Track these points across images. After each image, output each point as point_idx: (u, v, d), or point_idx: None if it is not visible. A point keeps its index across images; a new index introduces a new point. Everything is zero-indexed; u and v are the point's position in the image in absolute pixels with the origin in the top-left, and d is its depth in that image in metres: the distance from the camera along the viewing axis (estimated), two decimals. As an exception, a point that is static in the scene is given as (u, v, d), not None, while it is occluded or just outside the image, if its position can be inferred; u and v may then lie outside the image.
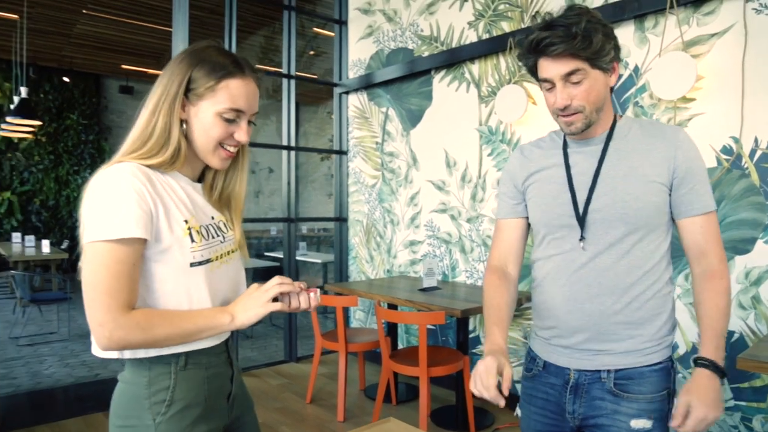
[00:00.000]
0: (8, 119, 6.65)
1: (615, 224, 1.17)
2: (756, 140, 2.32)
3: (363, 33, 4.44)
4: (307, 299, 1.06)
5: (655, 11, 2.58)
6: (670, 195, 1.19)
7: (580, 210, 1.20)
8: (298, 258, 6.10)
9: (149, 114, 1.03)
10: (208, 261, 1.05)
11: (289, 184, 4.37)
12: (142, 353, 1.01)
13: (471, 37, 3.54)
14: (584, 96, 1.14)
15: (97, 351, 1.02)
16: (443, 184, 3.76)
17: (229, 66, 1.04)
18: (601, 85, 1.15)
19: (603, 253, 1.19)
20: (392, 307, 3.33)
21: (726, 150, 2.41)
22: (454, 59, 3.58)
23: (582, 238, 1.20)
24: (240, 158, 1.18)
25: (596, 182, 1.20)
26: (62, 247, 8.09)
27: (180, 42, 3.62)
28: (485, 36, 3.44)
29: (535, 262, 1.32)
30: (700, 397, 1.09)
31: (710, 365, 1.12)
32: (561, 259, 1.24)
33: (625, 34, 2.72)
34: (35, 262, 7.00)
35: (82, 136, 9.60)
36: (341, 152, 4.65)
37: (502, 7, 3.35)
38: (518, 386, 1.62)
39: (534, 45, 1.13)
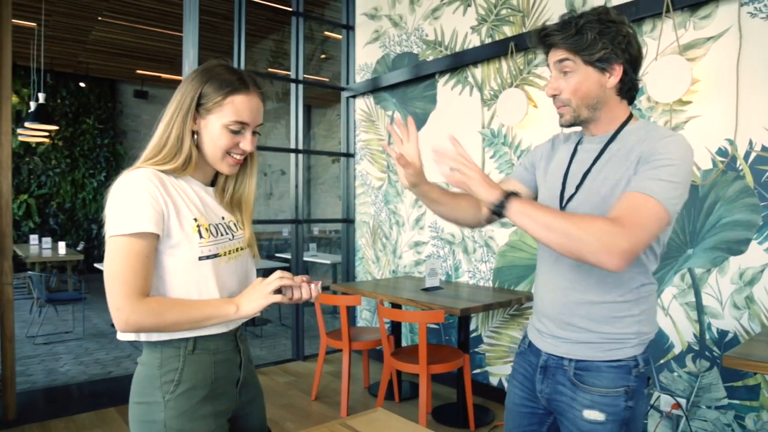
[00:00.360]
0: (26, 124, 6.76)
1: None
2: (750, 142, 2.35)
3: (369, 38, 4.52)
4: (308, 290, 1.15)
5: (653, 15, 2.62)
6: None
7: (564, 203, 1.27)
8: (306, 259, 6.19)
9: (165, 126, 1.16)
10: (216, 255, 1.15)
11: (297, 186, 4.45)
12: (155, 337, 1.12)
13: (474, 41, 3.60)
14: (571, 90, 1.20)
15: (119, 334, 1.14)
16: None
17: (235, 83, 1.16)
18: (592, 84, 1.19)
19: None
20: (396, 306, 3.39)
21: (721, 152, 2.44)
22: (457, 63, 3.64)
23: None
24: (249, 164, 1.30)
25: (583, 180, 1.24)
26: (78, 248, 8.23)
27: (190, 47, 3.71)
28: (488, 40, 3.50)
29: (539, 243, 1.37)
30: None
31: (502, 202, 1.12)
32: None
33: (622, 38, 2.76)
34: (52, 264, 7.16)
35: (98, 140, 9.78)
36: (348, 155, 4.72)
37: (504, 11, 3.41)
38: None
39: (538, 34, 1.23)
